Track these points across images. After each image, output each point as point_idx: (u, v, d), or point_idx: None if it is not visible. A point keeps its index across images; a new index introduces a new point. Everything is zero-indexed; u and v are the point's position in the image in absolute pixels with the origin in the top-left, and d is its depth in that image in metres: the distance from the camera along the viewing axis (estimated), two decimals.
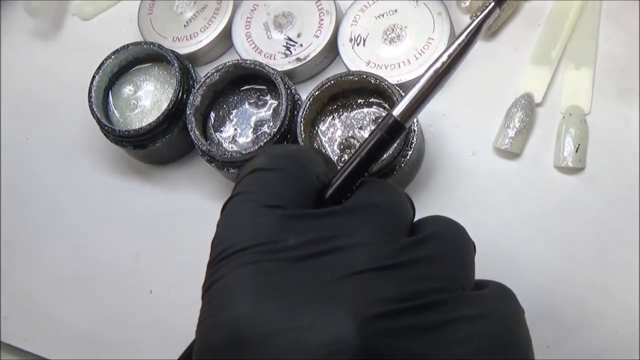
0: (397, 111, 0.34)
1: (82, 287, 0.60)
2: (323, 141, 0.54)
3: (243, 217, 0.31)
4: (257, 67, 0.55)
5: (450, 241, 0.32)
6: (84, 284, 0.60)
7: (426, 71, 0.34)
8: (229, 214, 0.32)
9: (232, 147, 0.57)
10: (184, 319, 0.55)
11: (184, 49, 0.61)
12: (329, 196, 0.34)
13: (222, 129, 0.58)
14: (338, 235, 0.30)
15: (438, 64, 0.34)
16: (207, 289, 0.30)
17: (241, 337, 0.27)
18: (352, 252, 0.29)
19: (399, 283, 0.29)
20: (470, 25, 0.34)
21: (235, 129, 0.57)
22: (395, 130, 0.34)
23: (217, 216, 0.58)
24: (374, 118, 0.54)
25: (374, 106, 0.55)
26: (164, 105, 0.59)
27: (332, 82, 0.53)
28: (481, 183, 0.54)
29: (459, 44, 0.33)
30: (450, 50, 0.34)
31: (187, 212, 0.59)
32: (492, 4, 0.34)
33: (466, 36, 0.33)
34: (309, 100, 0.53)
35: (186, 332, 0.40)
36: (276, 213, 0.31)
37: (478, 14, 0.33)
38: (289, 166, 0.33)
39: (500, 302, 0.31)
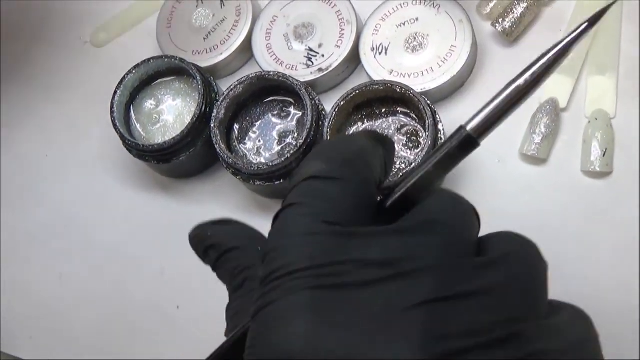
0: (470, 125, 0.31)
1: (107, 304, 0.59)
2: None
3: (299, 233, 0.29)
4: (281, 78, 0.55)
5: (524, 263, 0.29)
6: (109, 301, 0.59)
7: (507, 87, 0.31)
8: (283, 228, 0.30)
9: (256, 159, 0.57)
10: (213, 334, 0.56)
11: (204, 62, 0.61)
12: (389, 206, 0.31)
13: (245, 141, 0.58)
14: (403, 257, 0.27)
15: (521, 81, 0.31)
16: (257, 310, 0.28)
17: None
18: (418, 278, 0.27)
19: (470, 314, 0.26)
20: (560, 44, 0.30)
21: (259, 141, 0.57)
22: (467, 145, 0.31)
23: None
24: (399, 127, 0.54)
25: (398, 114, 0.55)
26: (187, 119, 0.58)
27: (358, 91, 0.53)
28: (508, 189, 0.54)
29: (544, 63, 0.30)
30: (535, 68, 0.31)
31: None
32: (586, 24, 0.31)
33: (553, 55, 0.30)
34: (334, 110, 0.53)
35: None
36: (336, 230, 0.28)
37: (569, 34, 0.31)
38: (349, 176, 0.30)
39: (580, 332, 0.29)
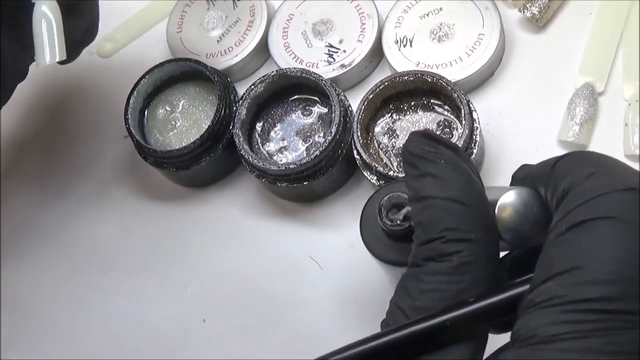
0: None
1: (130, 324, 0.56)
2: (380, 146, 0.52)
3: (623, 259, 0.25)
4: (303, 75, 0.53)
5: None
6: (132, 320, 0.56)
7: None
8: (599, 243, 0.26)
9: (281, 160, 0.54)
10: (241, 345, 0.53)
11: (219, 64, 0.58)
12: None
13: (268, 142, 0.55)
14: None
15: None
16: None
17: None
18: None
19: None
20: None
21: (283, 141, 0.55)
22: None
23: (270, 236, 0.55)
24: (430, 119, 0.52)
25: (429, 106, 0.52)
26: (203, 123, 0.56)
27: (387, 83, 0.51)
28: None
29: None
30: None
31: (236, 234, 0.56)
32: None
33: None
34: (363, 104, 0.51)
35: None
36: None
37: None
38: None
39: None
